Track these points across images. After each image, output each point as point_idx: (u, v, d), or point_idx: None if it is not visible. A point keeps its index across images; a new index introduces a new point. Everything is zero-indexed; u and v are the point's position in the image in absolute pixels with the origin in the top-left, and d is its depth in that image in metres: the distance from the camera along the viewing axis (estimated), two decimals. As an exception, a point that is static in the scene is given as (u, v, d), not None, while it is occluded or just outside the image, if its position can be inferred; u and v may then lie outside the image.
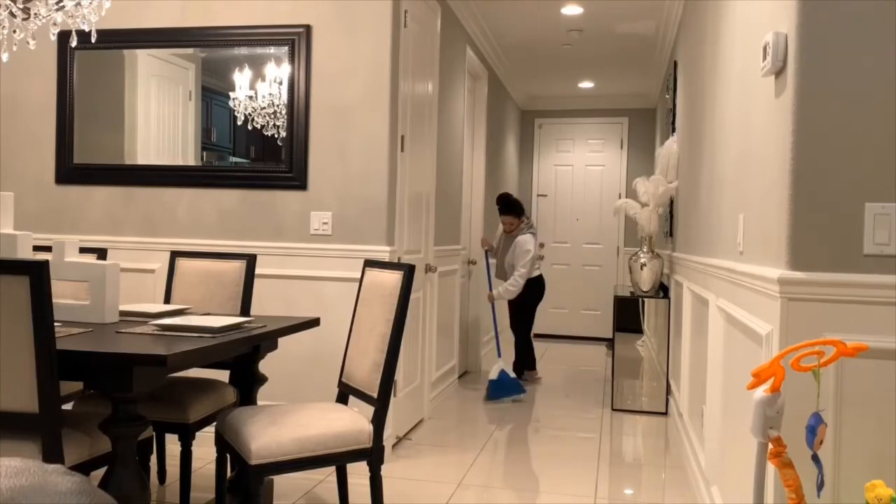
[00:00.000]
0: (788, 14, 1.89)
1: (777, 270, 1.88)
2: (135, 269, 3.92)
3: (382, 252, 3.65)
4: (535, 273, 5.79)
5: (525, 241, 5.61)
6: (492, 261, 5.93)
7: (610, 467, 3.76)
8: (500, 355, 5.50)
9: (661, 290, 5.17)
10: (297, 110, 3.74)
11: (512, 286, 5.56)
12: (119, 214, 3.99)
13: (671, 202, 5.19)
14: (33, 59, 4.06)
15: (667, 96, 6.31)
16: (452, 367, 5.44)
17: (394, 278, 2.63)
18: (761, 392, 1.70)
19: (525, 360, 5.94)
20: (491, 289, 5.84)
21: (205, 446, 3.62)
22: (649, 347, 6.27)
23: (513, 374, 5.37)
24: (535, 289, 5.82)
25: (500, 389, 5.21)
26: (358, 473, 3.22)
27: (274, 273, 3.75)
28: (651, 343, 6.30)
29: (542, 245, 5.97)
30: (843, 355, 1.69)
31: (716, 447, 2.90)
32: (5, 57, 2.52)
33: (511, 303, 5.83)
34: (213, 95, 3.88)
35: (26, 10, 2.44)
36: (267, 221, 3.80)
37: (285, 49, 3.74)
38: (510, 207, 5.75)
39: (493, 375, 5.25)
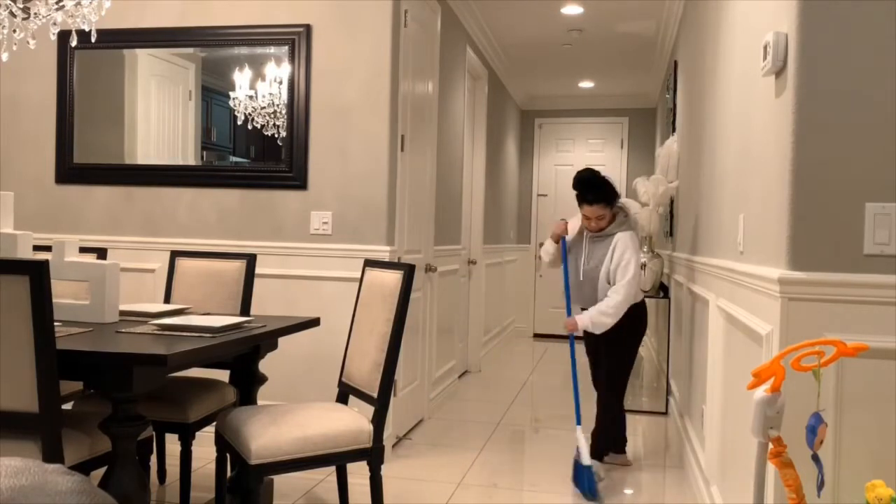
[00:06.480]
0: (788, 14, 1.88)
1: (777, 270, 1.88)
2: (135, 269, 3.92)
3: (382, 252, 3.65)
4: (638, 297, 3.64)
5: (626, 242, 3.46)
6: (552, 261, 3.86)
7: (610, 467, 3.75)
8: (579, 421, 3.47)
9: (661, 290, 5.17)
10: (297, 110, 3.74)
11: (609, 311, 3.40)
12: (119, 214, 3.99)
13: (671, 202, 5.19)
14: (33, 59, 4.05)
15: (667, 96, 6.31)
16: (452, 367, 5.44)
17: (394, 278, 2.63)
18: (761, 392, 1.70)
19: (615, 433, 3.75)
20: (570, 311, 3.64)
21: (205, 446, 3.62)
22: (649, 347, 6.27)
23: (587, 462, 3.32)
24: (638, 319, 3.67)
25: (586, 481, 3.30)
26: (358, 473, 3.22)
27: (274, 273, 3.75)
28: (651, 343, 6.29)
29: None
30: (843, 355, 1.69)
31: (716, 447, 2.90)
32: (5, 57, 2.52)
33: (599, 337, 3.59)
34: (213, 95, 3.88)
35: (26, 10, 2.44)
36: (267, 221, 3.80)
37: (285, 49, 3.74)
38: (600, 191, 3.46)
39: (586, 460, 3.32)
